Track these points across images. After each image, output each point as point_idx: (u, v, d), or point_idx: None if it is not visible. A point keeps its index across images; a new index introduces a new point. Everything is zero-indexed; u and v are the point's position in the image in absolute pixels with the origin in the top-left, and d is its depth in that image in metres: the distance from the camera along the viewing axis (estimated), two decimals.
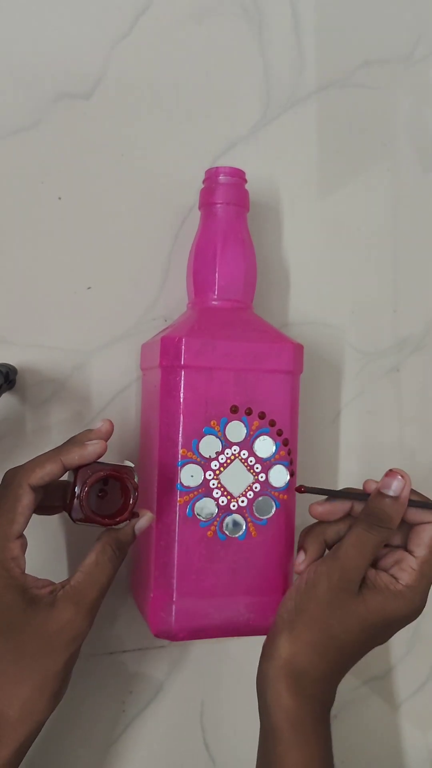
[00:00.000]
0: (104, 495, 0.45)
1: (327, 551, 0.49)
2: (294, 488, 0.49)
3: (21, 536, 0.42)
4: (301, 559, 0.48)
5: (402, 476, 0.45)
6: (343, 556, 0.45)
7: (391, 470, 0.46)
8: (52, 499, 0.45)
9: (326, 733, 0.46)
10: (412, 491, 0.46)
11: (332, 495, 0.48)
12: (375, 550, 0.45)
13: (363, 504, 0.47)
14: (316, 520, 0.49)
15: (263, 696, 0.45)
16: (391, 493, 0.45)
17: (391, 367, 0.62)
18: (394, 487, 0.45)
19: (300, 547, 0.49)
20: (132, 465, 0.45)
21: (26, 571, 0.42)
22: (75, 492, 0.43)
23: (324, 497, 0.48)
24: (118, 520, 0.43)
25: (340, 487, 0.60)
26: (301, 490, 0.47)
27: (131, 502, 0.43)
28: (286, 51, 0.60)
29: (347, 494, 0.48)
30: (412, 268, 0.63)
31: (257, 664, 0.46)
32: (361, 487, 0.48)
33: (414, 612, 0.46)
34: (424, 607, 0.46)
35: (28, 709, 0.41)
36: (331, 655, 0.45)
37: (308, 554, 0.48)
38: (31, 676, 0.41)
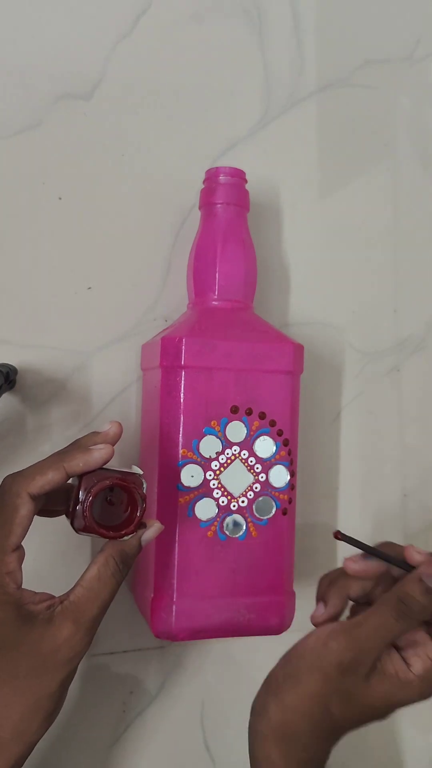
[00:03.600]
0: (111, 502, 0.42)
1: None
2: (293, 487, 0.49)
3: (18, 548, 0.40)
4: (320, 612, 0.45)
5: None
6: (361, 639, 0.41)
7: None
8: (54, 502, 0.42)
9: None
10: None
11: (369, 552, 0.43)
12: (395, 638, 0.41)
13: (398, 569, 0.43)
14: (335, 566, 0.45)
15: (253, 751, 0.44)
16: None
17: (391, 367, 0.62)
18: None
19: (320, 597, 0.45)
20: (140, 472, 0.42)
21: (24, 572, 0.40)
22: (78, 498, 0.40)
23: (359, 550, 0.44)
24: (123, 533, 0.40)
25: (341, 490, 0.60)
26: (338, 536, 0.42)
27: (138, 514, 0.40)
28: (287, 51, 0.60)
29: (386, 557, 0.43)
30: (412, 268, 0.63)
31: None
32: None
33: (421, 699, 0.42)
34: None
35: (21, 730, 0.38)
36: (325, 727, 0.42)
37: (329, 608, 0.44)
38: (25, 696, 0.38)
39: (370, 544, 0.43)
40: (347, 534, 0.42)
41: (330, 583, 0.45)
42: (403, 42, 0.63)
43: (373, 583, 0.44)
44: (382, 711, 0.42)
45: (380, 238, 0.62)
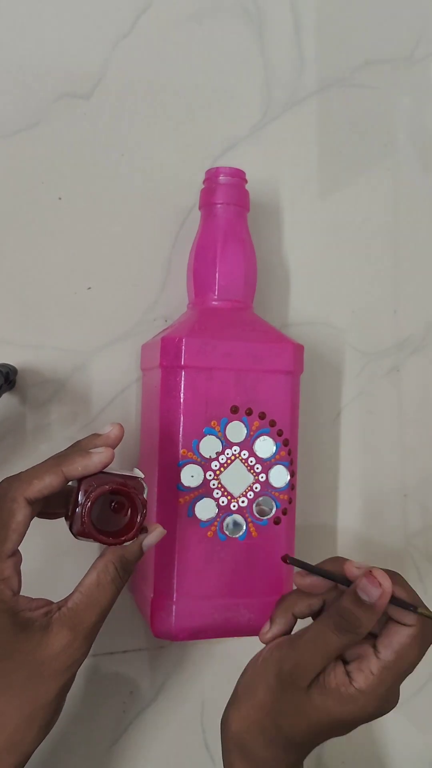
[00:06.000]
0: (113, 506, 0.41)
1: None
2: (293, 487, 0.49)
3: (14, 554, 0.39)
4: (265, 630, 0.44)
5: (382, 584, 0.39)
6: (299, 649, 0.41)
7: (372, 573, 0.40)
8: (54, 505, 0.41)
9: None
10: (399, 585, 0.41)
11: (315, 572, 0.43)
12: (336, 652, 0.40)
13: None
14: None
15: (224, 763, 0.44)
16: (366, 599, 0.39)
17: (391, 367, 0.62)
18: (373, 594, 0.39)
19: (270, 617, 0.45)
20: (142, 475, 0.41)
21: (22, 575, 0.40)
22: (78, 502, 0.39)
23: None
24: (123, 538, 0.40)
25: (341, 490, 0.60)
26: (285, 560, 0.43)
27: (138, 519, 0.40)
28: (287, 51, 0.60)
29: (330, 575, 0.42)
30: (412, 268, 0.63)
31: None
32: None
33: (369, 715, 0.40)
34: (388, 707, 0.41)
35: (16, 740, 0.38)
36: (279, 741, 0.42)
37: (273, 627, 0.44)
38: (20, 706, 0.37)
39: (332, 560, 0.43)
40: (294, 558, 0.43)
41: (279, 602, 0.45)
42: (403, 42, 0.63)
43: (320, 602, 0.44)
44: (329, 727, 0.41)
45: (380, 238, 0.62)
